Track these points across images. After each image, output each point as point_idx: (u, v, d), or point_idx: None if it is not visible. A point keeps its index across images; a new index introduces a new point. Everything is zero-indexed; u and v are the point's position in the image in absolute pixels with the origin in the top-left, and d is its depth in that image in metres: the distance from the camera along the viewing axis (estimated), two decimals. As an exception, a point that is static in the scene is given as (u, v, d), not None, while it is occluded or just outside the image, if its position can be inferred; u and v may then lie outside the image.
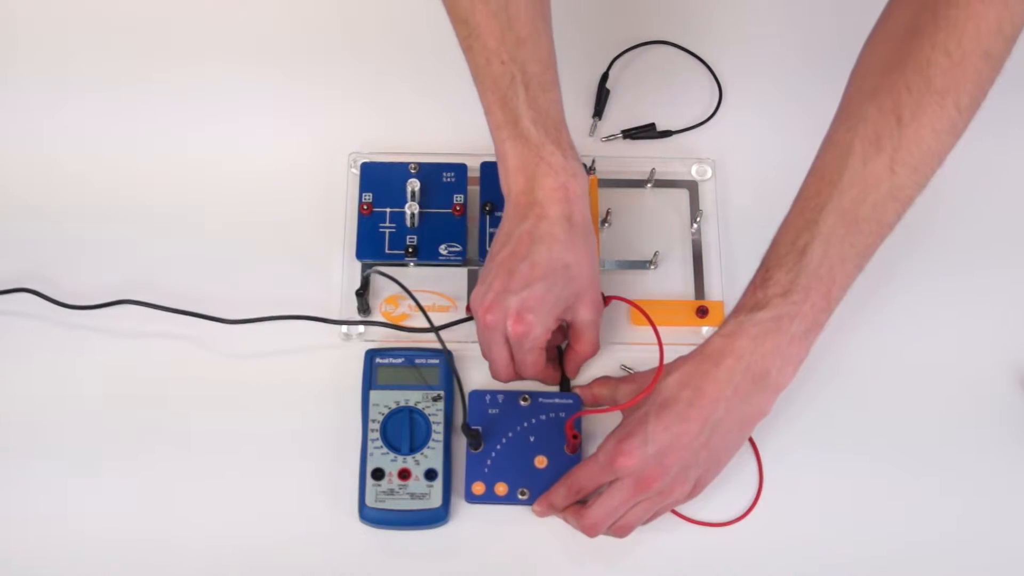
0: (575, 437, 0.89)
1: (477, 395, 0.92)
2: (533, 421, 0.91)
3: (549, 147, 0.85)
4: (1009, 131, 1.04)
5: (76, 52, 1.06)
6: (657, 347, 0.87)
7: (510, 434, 0.90)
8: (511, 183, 0.86)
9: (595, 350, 0.92)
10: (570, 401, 0.92)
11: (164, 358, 0.94)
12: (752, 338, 0.82)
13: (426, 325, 0.88)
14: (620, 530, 0.86)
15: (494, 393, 0.92)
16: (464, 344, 0.94)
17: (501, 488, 0.89)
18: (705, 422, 0.82)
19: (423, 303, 0.95)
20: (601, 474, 0.84)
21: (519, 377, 0.90)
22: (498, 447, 0.90)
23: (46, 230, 0.99)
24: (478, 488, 0.89)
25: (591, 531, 0.85)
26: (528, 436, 0.90)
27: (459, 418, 0.89)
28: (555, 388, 0.93)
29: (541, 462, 0.90)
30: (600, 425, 0.92)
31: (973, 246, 1.00)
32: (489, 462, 0.90)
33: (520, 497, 0.89)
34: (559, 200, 0.85)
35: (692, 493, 0.86)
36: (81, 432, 0.92)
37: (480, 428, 0.90)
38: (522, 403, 0.92)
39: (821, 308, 0.83)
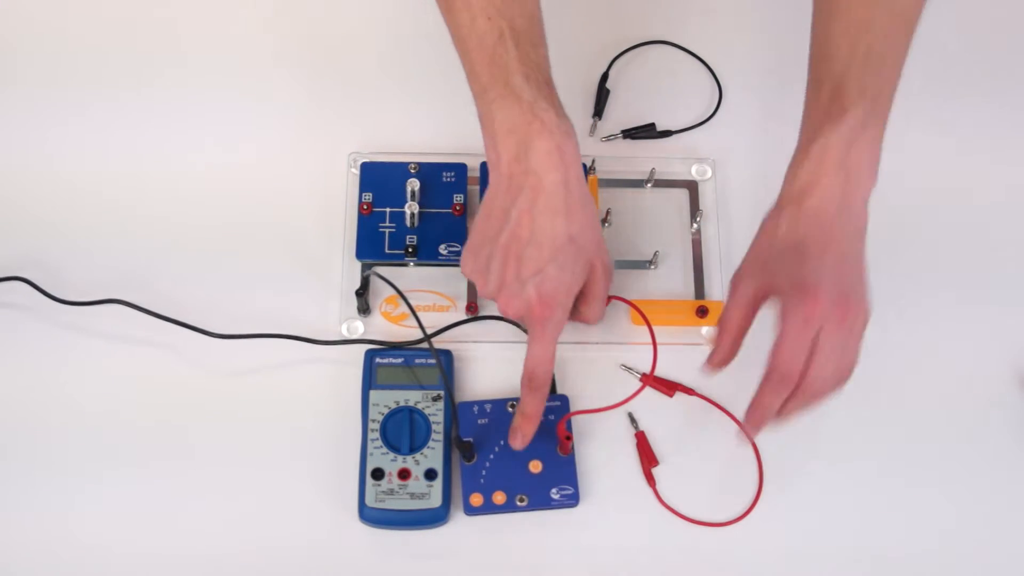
0: (568, 438, 0.89)
1: (465, 407, 0.92)
2: None
3: (542, 104, 0.82)
4: (1010, 129, 1.04)
5: (78, 57, 1.05)
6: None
7: (502, 442, 0.90)
8: (500, 149, 0.82)
9: (599, 317, 0.89)
10: (558, 403, 0.92)
11: (161, 358, 0.94)
12: (843, 155, 0.83)
13: (427, 327, 0.89)
14: (845, 372, 0.84)
15: (481, 403, 0.92)
16: (464, 345, 0.94)
17: (499, 497, 0.89)
18: (842, 251, 0.83)
19: (423, 303, 0.95)
20: (804, 336, 0.82)
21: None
22: (491, 456, 0.90)
23: (48, 226, 0.99)
24: (476, 500, 0.89)
25: (827, 387, 0.83)
26: None
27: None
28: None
29: (536, 467, 0.90)
30: (591, 424, 0.92)
31: (971, 245, 1.00)
32: (484, 472, 0.89)
33: (519, 504, 0.89)
34: (554, 166, 0.81)
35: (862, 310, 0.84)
36: (73, 432, 0.92)
37: (472, 439, 0.90)
38: (510, 410, 0.92)
39: (886, 109, 0.85)
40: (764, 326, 0.96)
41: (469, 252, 0.86)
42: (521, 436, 0.87)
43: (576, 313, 0.89)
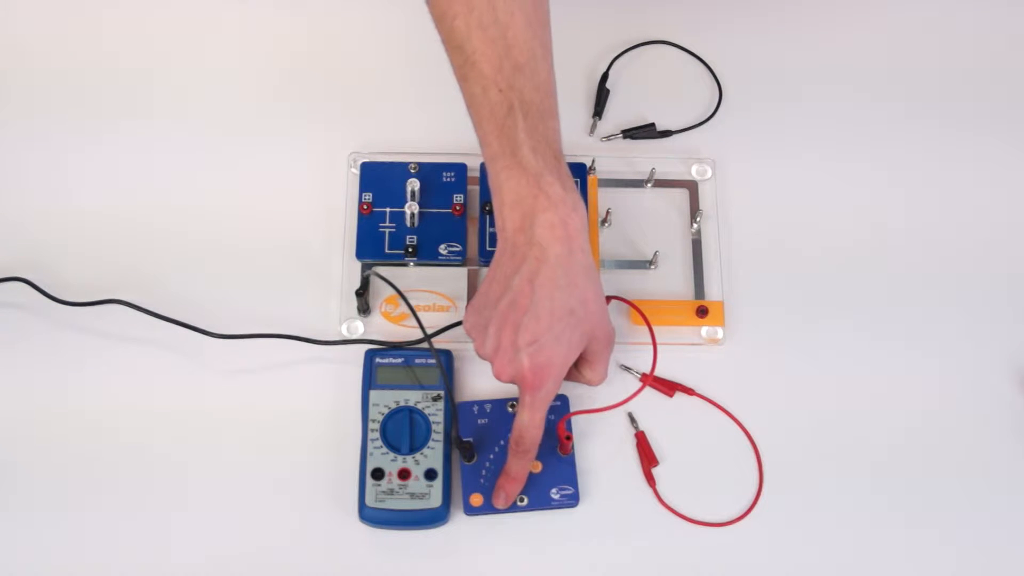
0: (568, 438, 0.89)
1: (465, 407, 0.92)
2: None
3: (548, 178, 0.82)
4: (1009, 135, 1.05)
5: (77, 59, 1.06)
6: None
7: (502, 442, 0.90)
8: (506, 219, 0.83)
9: (601, 381, 0.90)
10: (558, 403, 0.92)
11: (161, 358, 0.94)
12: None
13: (427, 327, 0.89)
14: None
15: (481, 403, 0.92)
16: (464, 345, 0.94)
17: None
18: None
19: (423, 303, 0.95)
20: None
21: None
22: (491, 456, 0.90)
23: (48, 226, 0.99)
24: (476, 500, 0.89)
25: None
26: None
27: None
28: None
29: (536, 467, 0.90)
30: (591, 424, 0.92)
31: (968, 248, 1.00)
32: (484, 472, 0.89)
33: (519, 504, 0.89)
34: (558, 239, 0.82)
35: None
36: (74, 431, 0.92)
37: (472, 439, 0.90)
38: (510, 410, 0.92)
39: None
40: (767, 334, 0.96)
41: (471, 311, 0.87)
42: (504, 497, 0.88)
43: (579, 375, 0.90)
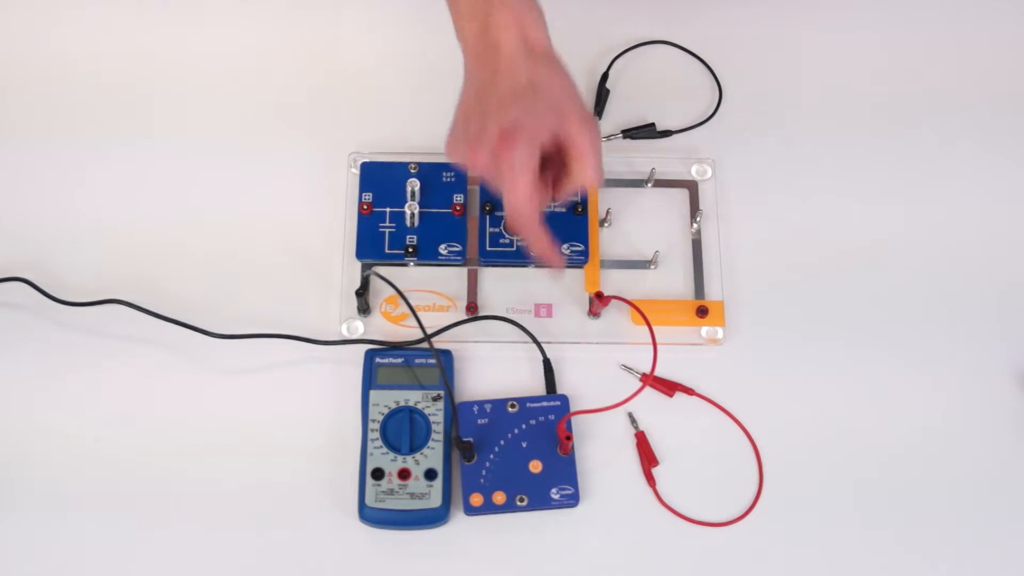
0: (568, 438, 0.89)
1: (465, 407, 0.92)
2: (523, 427, 0.91)
3: None
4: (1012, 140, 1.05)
5: (79, 65, 1.06)
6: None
7: (502, 442, 0.90)
8: (465, 31, 0.84)
9: (597, 176, 0.85)
10: (558, 403, 0.92)
11: (161, 358, 0.94)
12: None
13: (427, 327, 0.89)
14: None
15: (481, 403, 0.92)
16: (464, 345, 0.94)
17: (499, 497, 0.89)
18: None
19: (423, 303, 0.95)
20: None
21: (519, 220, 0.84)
22: (491, 456, 0.90)
23: (48, 226, 0.99)
24: (476, 500, 0.89)
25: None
26: (520, 442, 0.90)
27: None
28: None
29: (536, 467, 0.90)
30: (591, 424, 0.92)
31: (970, 248, 1.00)
32: (484, 472, 0.89)
33: (519, 504, 0.89)
34: (515, 32, 0.83)
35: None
36: (74, 431, 0.92)
37: (472, 439, 0.90)
38: (510, 410, 0.92)
39: None
40: (767, 334, 0.96)
41: (450, 136, 0.87)
42: (557, 261, 0.87)
43: (569, 181, 0.86)
